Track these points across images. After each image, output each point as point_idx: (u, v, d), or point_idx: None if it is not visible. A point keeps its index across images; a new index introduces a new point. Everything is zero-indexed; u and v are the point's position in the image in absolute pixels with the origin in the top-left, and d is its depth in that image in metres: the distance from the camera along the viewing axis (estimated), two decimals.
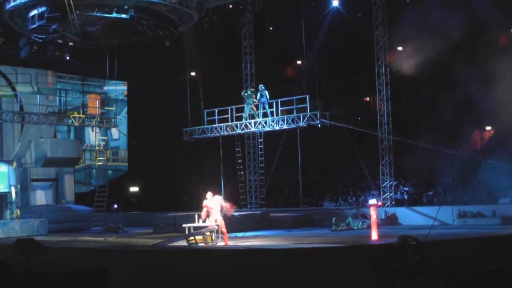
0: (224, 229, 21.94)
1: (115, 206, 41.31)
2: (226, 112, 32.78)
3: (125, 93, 44.45)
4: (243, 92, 32.32)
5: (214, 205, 22.03)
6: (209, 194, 22.27)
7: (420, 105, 38.60)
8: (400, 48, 34.51)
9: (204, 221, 22.23)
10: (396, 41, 33.31)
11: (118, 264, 14.09)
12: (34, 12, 28.88)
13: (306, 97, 29.90)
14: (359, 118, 41.34)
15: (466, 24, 29.40)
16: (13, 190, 30.38)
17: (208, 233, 22.50)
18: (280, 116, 30.82)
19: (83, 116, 35.21)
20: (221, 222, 21.93)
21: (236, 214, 27.88)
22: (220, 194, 23.09)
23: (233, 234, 26.14)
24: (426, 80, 35.91)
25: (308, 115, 29.40)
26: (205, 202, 22.13)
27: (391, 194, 30.90)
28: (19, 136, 36.48)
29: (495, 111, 31.75)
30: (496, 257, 12.72)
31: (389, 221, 28.91)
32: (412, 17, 29.92)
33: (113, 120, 36.50)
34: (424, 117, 35.31)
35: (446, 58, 32.46)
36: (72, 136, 40.78)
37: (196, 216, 23.69)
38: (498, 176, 28.60)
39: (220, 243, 22.13)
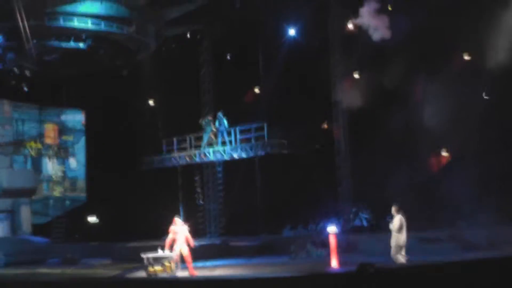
0: (189, 259, 21.73)
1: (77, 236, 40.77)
2: (184, 140, 32.71)
3: (83, 122, 44.05)
4: (201, 120, 32.31)
5: (181, 233, 21.80)
6: (177, 220, 22.05)
7: (375, 130, 38.94)
8: (356, 76, 34.88)
9: (169, 248, 21.94)
10: (352, 68, 33.67)
11: None
12: None
13: (264, 125, 29.99)
14: (317, 145, 41.53)
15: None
16: None
17: (167, 263, 22.32)
18: (238, 144, 30.85)
19: (40, 146, 34.85)
20: (186, 251, 21.71)
21: (195, 243, 27.75)
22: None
23: (193, 264, 25.98)
24: (381, 105, 36.28)
25: (266, 143, 29.48)
26: (172, 228, 21.86)
27: (350, 221, 31.01)
28: None
29: (451, 134, 32.20)
30: (456, 283, 12.80)
31: (349, 248, 28.94)
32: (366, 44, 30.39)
33: (70, 149, 36.19)
34: (380, 143, 35.63)
35: (400, 82, 32.93)
36: (29, 166, 40.21)
37: (160, 248, 23.49)
38: (456, 199, 28.85)
39: (181, 273, 21.97)
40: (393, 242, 18.87)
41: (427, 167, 37.07)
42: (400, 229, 18.58)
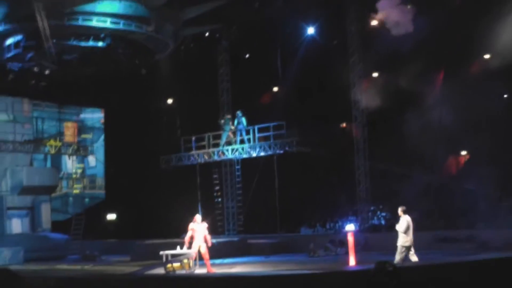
0: (207, 256, 21.81)
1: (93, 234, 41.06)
2: (203, 139, 32.80)
3: (102, 120, 44.30)
4: (220, 119, 32.41)
5: (200, 231, 21.88)
6: (198, 217, 22.15)
7: (395, 130, 38.89)
8: (375, 75, 34.86)
9: (188, 245, 22.04)
10: (371, 67, 33.67)
11: None
12: (10, 41, 28.90)
13: (283, 124, 30.02)
14: (336, 144, 41.53)
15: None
16: None
17: (185, 260, 22.43)
18: (257, 142, 30.90)
19: (60, 144, 35.06)
20: (204, 249, 21.79)
21: (214, 241, 27.86)
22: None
23: (211, 261, 26.08)
24: (400, 106, 36.24)
25: (285, 142, 29.52)
26: (191, 225, 21.95)
27: (369, 220, 31.03)
28: None
29: (470, 135, 32.13)
30: (472, 282, 12.82)
31: (367, 246, 28.95)
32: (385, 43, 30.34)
33: (89, 148, 36.41)
34: (399, 143, 35.58)
35: (418, 83, 32.88)
36: (48, 164, 40.48)
37: (178, 246, 23.62)
38: (474, 200, 28.79)
39: (198, 270, 22.08)
40: (399, 242, 18.91)
41: (445, 167, 37.02)
42: (406, 230, 18.58)
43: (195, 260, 22.42)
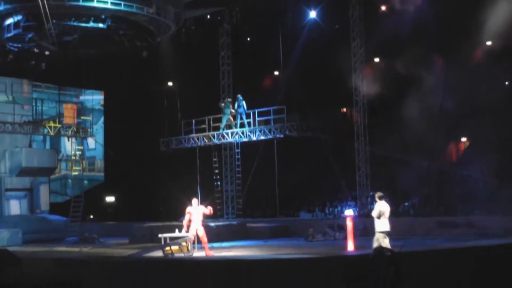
0: (205, 239, 21.82)
1: (91, 216, 41.11)
2: (203, 122, 32.73)
3: (102, 102, 44.21)
4: (220, 102, 32.31)
5: (197, 214, 21.87)
6: (194, 201, 22.15)
7: (396, 116, 38.85)
8: (377, 60, 34.73)
9: (186, 229, 22.04)
10: (372, 53, 33.54)
11: (92, 275, 13.98)
12: (9, 20, 28.71)
13: (283, 108, 29.92)
14: (336, 129, 41.47)
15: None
16: None
17: (184, 243, 22.40)
18: (257, 126, 30.81)
19: (59, 125, 34.94)
20: (202, 232, 21.80)
21: (212, 224, 27.85)
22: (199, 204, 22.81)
23: (210, 245, 26.04)
24: (400, 92, 36.18)
25: (285, 126, 29.43)
26: (188, 209, 21.96)
27: (368, 205, 31.00)
28: None
29: (470, 122, 32.04)
30: (471, 268, 12.79)
31: (366, 232, 28.92)
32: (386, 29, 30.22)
33: (89, 129, 36.31)
34: (399, 129, 35.53)
35: (420, 69, 32.81)
36: (47, 145, 40.44)
37: (177, 229, 23.58)
38: (473, 187, 28.76)
39: (197, 254, 22.05)
40: (375, 229, 18.78)
41: (446, 154, 36.98)
42: (379, 216, 18.44)
43: (193, 243, 22.40)
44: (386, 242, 18.14)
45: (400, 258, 11.24)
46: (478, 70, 34.12)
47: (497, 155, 29.66)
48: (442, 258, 13.27)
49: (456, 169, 32.42)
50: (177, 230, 23.64)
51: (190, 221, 21.91)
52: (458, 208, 31.19)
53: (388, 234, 18.39)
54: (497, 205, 27.48)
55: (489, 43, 34.37)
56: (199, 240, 22.07)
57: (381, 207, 18.42)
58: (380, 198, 18.62)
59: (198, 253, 22.23)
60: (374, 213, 18.56)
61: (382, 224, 18.37)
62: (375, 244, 18.20)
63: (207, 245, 21.91)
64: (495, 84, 34.06)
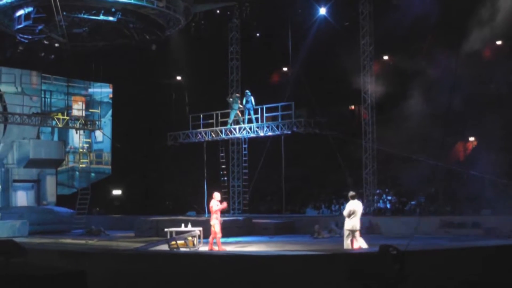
0: (219, 234, 21.74)
1: (97, 209, 41.21)
2: (211, 117, 32.72)
3: (110, 95, 44.27)
4: (228, 97, 32.30)
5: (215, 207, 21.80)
6: (216, 194, 22.07)
7: (403, 114, 38.82)
8: (386, 57, 34.67)
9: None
10: (381, 49, 33.50)
11: (97, 267, 14.00)
12: (20, 12, 28.79)
13: (291, 104, 29.89)
14: (343, 127, 41.47)
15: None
16: None
17: (190, 238, 22.45)
18: (265, 122, 30.78)
19: (67, 118, 34.99)
20: (218, 227, 21.71)
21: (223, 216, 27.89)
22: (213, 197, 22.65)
23: (215, 240, 26.12)
24: (408, 89, 36.14)
25: (293, 122, 29.40)
26: (213, 202, 21.86)
27: (374, 203, 30.98)
28: (1, 137, 36.20)
29: (478, 121, 31.95)
30: (477, 268, 12.74)
31: (371, 229, 28.93)
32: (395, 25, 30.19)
33: (97, 122, 36.37)
34: (407, 127, 35.48)
35: (428, 67, 32.77)
36: (55, 137, 40.55)
37: (183, 224, 23.63)
38: (481, 187, 28.69)
39: (202, 248, 22.10)
40: (344, 226, 19.16)
41: (453, 153, 36.90)
42: (349, 215, 18.74)
43: (199, 238, 22.47)
44: (359, 240, 18.68)
45: (405, 257, 11.20)
46: (487, 68, 34.08)
47: (505, 154, 29.59)
48: (448, 258, 13.23)
49: (463, 169, 32.33)
50: (183, 225, 23.69)
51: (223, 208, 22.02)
52: (465, 208, 31.15)
53: (355, 232, 18.75)
54: (504, 205, 27.42)
55: (499, 42, 34.32)
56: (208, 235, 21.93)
57: (352, 206, 18.86)
58: (352, 197, 19.09)
59: (203, 248, 22.26)
60: (345, 212, 19.08)
61: (351, 222, 18.81)
62: (347, 241, 18.64)
63: (219, 241, 21.83)
64: (504, 82, 34.00)
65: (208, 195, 32.42)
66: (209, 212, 22.08)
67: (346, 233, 19.01)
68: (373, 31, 31.57)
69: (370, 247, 18.08)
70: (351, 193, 19.19)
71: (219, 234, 21.64)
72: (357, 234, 18.85)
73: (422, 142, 32.73)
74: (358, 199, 19.20)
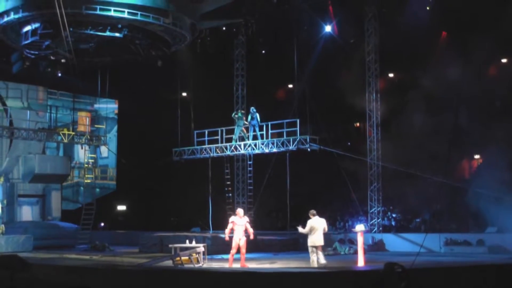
0: (244, 250, 21.72)
1: (102, 224, 41.20)
2: (216, 133, 32.75)
3: (116, 111, 44.41)
4: (233, 114, 32.35)
5: (241, 224, 21.82)
6: (239, 211, 22.14)
7: (409, 132, 38.82)
8: (391, 75, 34.71)
9: (227, 238, 22.04)
10: (387, 67, 33.58)
11: (102, 282, 14.00)
12: (27, 28, 28.95)
13: (297, 121, 29.91)
14: (349, 143, 41.42)
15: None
16: None
17: (194, 254, 22.44)
18: (270, 139, 30.80)
19: (73, 133, 35.06)
20: (243, 242, 21.70)
21: (222, 236, 27.82)
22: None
23: (219, 256, 26.10)
24: (413, 106, 36.12)
25: (298, 139, 29.41)
26: (232, 218, 21.93)
27: (378, 220, 30.92)
28: (7, 151, 36.32)
29: (483, 140, 31.92)
30: (482, 286, 12.71)
31: (376, 247, 28.88)
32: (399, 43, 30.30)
33: (102, 138, 36.42)
34: (412, 145, 35.47)
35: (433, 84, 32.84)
36: (61, 152, 40.63)
37: (188, 240, 23.63)
38: (485, 205, 28.65)
39: (207, 265, 22.08)
40: (308, 242, 20.60)
41: (458, 170, 36.86)
42: (310, 231, 20.36)
43: (204, 254, 22.46)
44: (319, 255, 20.23)
45: (410, 274, 11.19)
46: (492, 86, 34.11)
47: (510, 172, 29.54)
48: (453, 276, 13.21)
49: (468, 186, 32.26)
50: (187, 241, 23.69)
51: (231, 230, 21.91)
52: (470, 225, 31.08)
53: (317, 248, 20.31)
54: (509, 222, 27.38)
55: (504, 60, 34.37)
56: (239, 250, 21.86)
57: (312, 223, 20.46)
58: (314, 215, 20.64)
59: (208, 264, 22.25)
60: (306, 229, 20.61)
61: (313, 238, 20.42)
62: (312, 256, 20.29)
63: (244, 256, 21.81)
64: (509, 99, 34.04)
65: (213, 211, 32.50)
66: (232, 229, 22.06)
67: (310, 249, 20.43)
68: (378, 48, 31.63)
69: (375, 264, 18.05)
70: (312, 211, 20.71)
71: (233, 250, 21.68)
72: (319, 249, 20.22)
73: (427, 159, 32.68)
74: (320, 216, 20.73)
